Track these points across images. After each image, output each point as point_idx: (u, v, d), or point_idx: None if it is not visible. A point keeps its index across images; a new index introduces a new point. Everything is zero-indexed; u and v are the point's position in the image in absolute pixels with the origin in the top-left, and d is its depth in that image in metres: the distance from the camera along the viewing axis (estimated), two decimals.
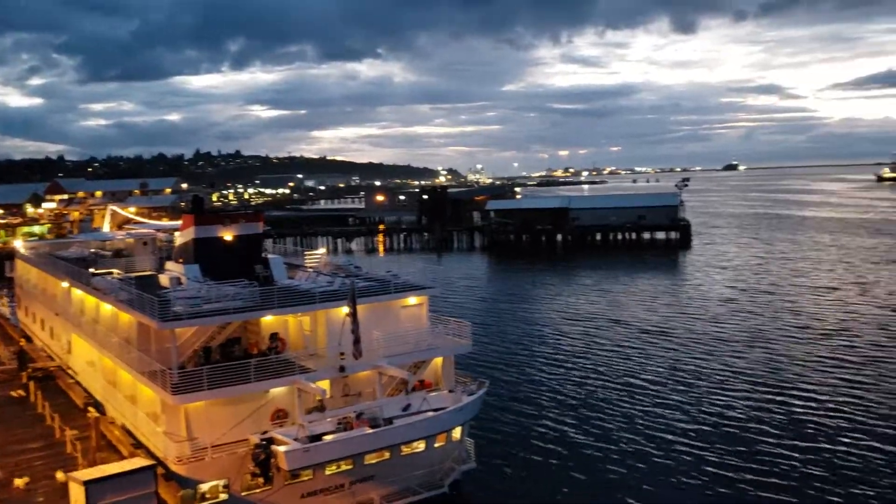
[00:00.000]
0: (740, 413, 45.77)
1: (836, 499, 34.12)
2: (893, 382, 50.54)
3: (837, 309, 75.74)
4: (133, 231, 64.84)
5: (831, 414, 44.99)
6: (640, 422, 44.84)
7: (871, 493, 34.46)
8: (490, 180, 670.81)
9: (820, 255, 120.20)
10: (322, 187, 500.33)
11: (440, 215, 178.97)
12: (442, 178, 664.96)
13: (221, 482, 30.13)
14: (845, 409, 45.74)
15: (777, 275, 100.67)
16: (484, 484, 36.72)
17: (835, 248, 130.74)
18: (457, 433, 34.46)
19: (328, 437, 30.66)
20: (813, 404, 46.80)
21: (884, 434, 41.45)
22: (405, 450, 32.16)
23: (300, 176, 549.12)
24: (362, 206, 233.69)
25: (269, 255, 43.52)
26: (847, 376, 52.38)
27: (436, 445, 33.21)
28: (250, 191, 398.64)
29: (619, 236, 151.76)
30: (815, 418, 44.39)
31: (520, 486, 36.96)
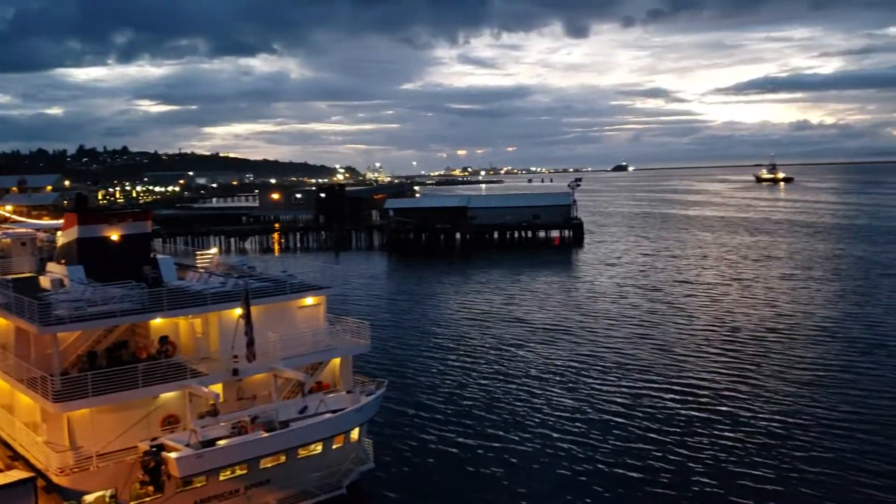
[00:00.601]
0: (630, 407, 47.52)
1: (720, 490, 35.94)
2: (770, 374, 53.66)
3: (720, 304, 79.78)
4: (10, 231, 61.13)
5: (715, 406, 47.36)
6: (535, 419, 45.87)
7: (750, 484, 36.52)
8: (389, 179, 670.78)
9: (703, 253, 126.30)
10: (214, 185, 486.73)
11: (338, 214, 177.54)
12: (340, 177, 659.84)
13: (108, 492, 28.99)
14: (728, 400, 48.25)
15: (663, 272, 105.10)
16: (383, 484, 36.70)
17: (717, 245, 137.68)
18: (355, 434, 34.32)
19: (222, 442, 29.93)
20: (699, 396, 49.11)
21: (762, 421, 43.99)
22: (302, 452, 31.79)
23: (191, 173, 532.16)
24: (257, 204, 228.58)
25: (159, 256, 42.09)
26: (729, 370, 55.23)
27: (334, 447, 32.98)
28: (139, 188, 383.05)
29: (516, 235, 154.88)
30: (700, 411, 46.59)
31: (419, 485, 37.14)
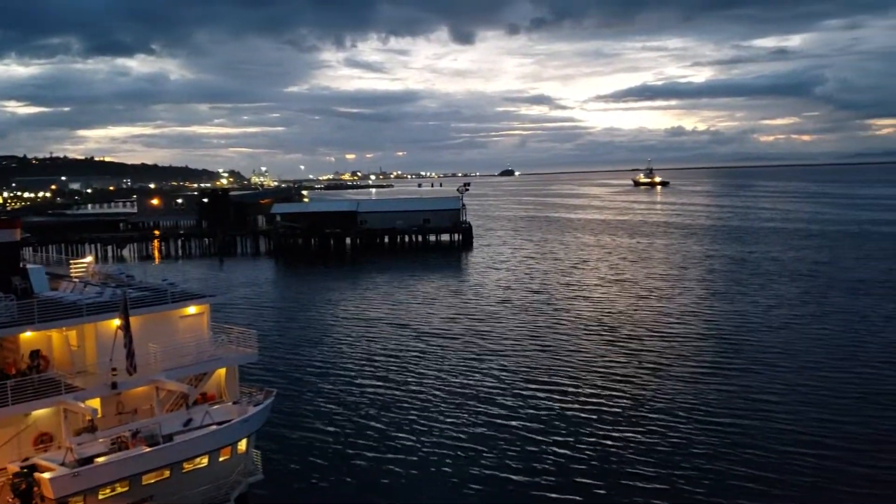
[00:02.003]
0: (516, 409, 48.63)
1: (603, 490, 37.32)
2: (649, 373, 56.15)
3: (601, 305, 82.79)
4: None
5: (598, 405, 49.13)
6: (424, 425, 46.22)
7: (631, 483, 38.11)
8: (275, 183, 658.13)
9: (585, 255, 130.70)
10: (89, 190, 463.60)
11: (222, 219, 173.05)
12: (224, 181, 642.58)
13: None
14: (610, 399, 50.17)
15: (548, 274, 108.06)
16: (272, 495, 36.07)
17: (598, 247, 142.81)
18: (242, 445, 33.57)
19: (100, 460, 28.66)
20: (582, 396, 50.82)
21: (643, 418, 46.01)
22: (187, 466, 30.83)
23: (64, 178, 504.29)
24: (135, 210, 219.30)
25: (29, 265, 39.77)
26: (611, 370, 57.41)
27: (220, 459, 32.15)
28: (5, 195, 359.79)
29: (406, 239, 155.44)
30: (583, 410, 48.22)
31: (309, 495, 36.72)
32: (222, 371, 36.36)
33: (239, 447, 33.31)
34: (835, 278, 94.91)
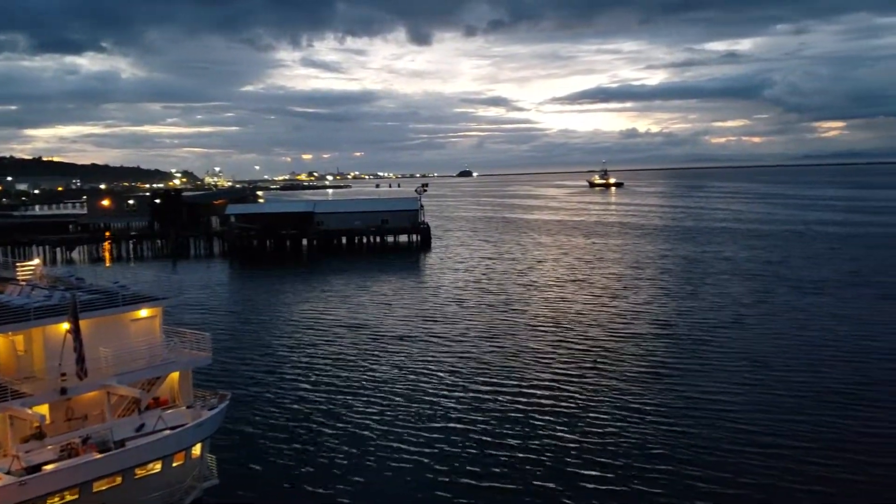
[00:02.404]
0: (474, 410, 48.74)
1: (557, 490, 37.59)
2: (606, 372, 56.75)
3: (558, 306, 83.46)
4: None
5: (554, 405, 49.50)
6: (381, 427, 46.04)
7: (587, 485, 38.46)
8: (230, 183, 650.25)
9: (542, 256, 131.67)
10: (37, 191, 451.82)
11: (175, 220, 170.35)
12: (176, 181, 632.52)
13: None
14: (566, 399, 50.60)
15: (506, 274, 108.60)
16: (228, 500, 35.54)
17: (554, 248, 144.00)
18: (197, 450, 33.05)
19: (49, 467, 27.95)
20: (538, 397, 51.15)
21: (599, 418, 46.48)
22: (139, 472, 30.26)
23: (10, 179, 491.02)
24: (85, 211, 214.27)
25: None
26: (567, 370, 57.90)
27: (174, 465, 31.63)
28: None
29: (364, 240, 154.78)
30: (540, 410, 48.53)
31: (265, 499, 36.26)
32: (175, 375, 35.74)
33: (193, 452, 32.79)
34: (785, 277, 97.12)
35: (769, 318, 72.08)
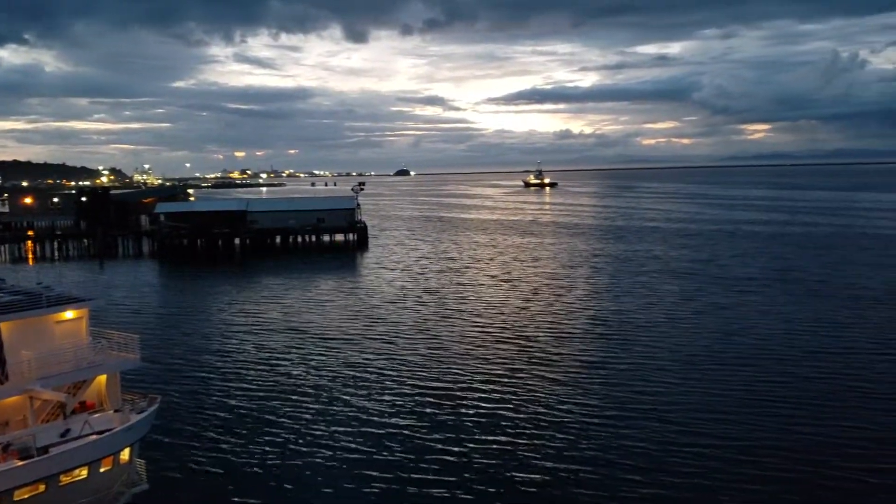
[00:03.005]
0: (409, 412, 48.73)
1: (491, 490, 37.84)
2: (539, 371, 57.44)
3: (493, 304, 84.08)
4: None
5: (489, 405, 49.85)
6: (315, 430, 45.63)
7: (522, 488, 38.83)
8: (160, 181, 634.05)
9: (478, 255, 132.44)
10: None
11: (102, 219, 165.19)
12: (104, 179, 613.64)
13: None
14: (501, 400, 51.02)
15: (442, 274, 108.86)
16: None
17: (490, 247, 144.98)
18: (125, 455, 32.13)
19: None
20: (473, 397, 51.45)
21: (532, 417, 47.00)
22: (64, 479, 29.24)
23: None
24: (6, 209, 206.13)
25: None
26: (501, 370, 58.39)
27: (101, 470, 30.67)
28: None
29: (300, 239, 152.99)
30: (475, 411, 48.81)
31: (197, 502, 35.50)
32: (103, 378, 34.66)
33: (121, 457, 31.87)
34: (714, 276, 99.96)
35: (699, 316, 74.02)
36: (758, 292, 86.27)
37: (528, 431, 43.64)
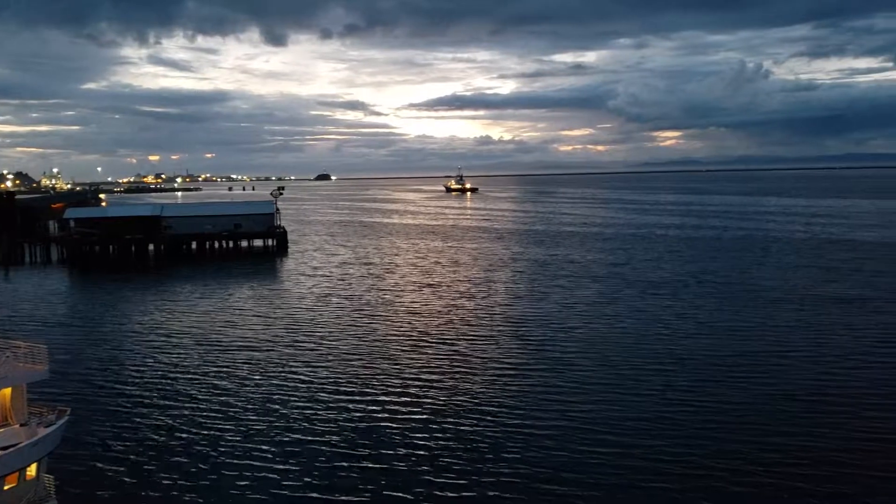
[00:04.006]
0: (326, 417, 48.37)
1: (410, 498, 37.92)
2: (459, 377, 57.82)
3: (413, 309, 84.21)
4: None
5: (406, 409, 49.93)
6: (231, 442, 44.83)
7: (441, 493, 39.05)
8: (69, 186, 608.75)
9: (399, 260, 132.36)
10: None
11: (8, 225, 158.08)
12: (9, 184, 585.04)
13: None
14: (421, 403, 51.17)
15: (363, 279, 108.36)
16: None
17: (412, 252, 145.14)
18: (32, 470, 30.81)
19: None
20: (390, 401, 51.44)
21: (453, 420, 47.30)
22: None
23: None
24: None
25: None
26: (420, 374, 58.55)
27: (5, 487, 29.34)
28: None
29: (216, 244, 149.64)
30: (391, 415, 48.84)
31: None
32: (7, 391, 33.11)
33: (28, 473, 30.56)
34: (629, 279, 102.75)
35: (615, 319, 75.83)
36: (672, 295, 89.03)
37: (447, 437, 43.87)
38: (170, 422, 46.84)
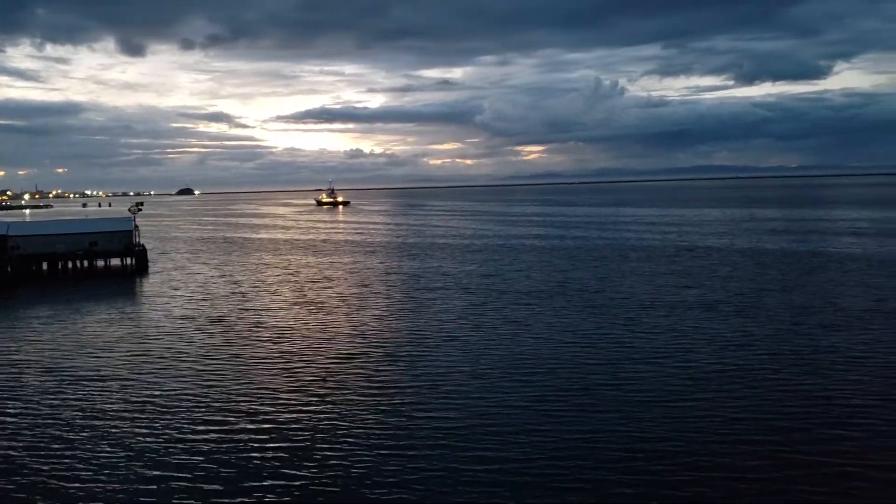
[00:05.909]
0: (189, 448, 45.82)
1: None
2: (329, 397, 56.35)
3: (284, 328, 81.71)
4: None
5: (277, 437, 48.06)
6: (84, 471, 41.57)
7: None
8: None
9: (269, 277, 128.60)
10: None
11: None
12: None
13: None
14: (291, 430, 49.37)
15: (230, 298, 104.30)
16: None
17: (282, 268, 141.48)
18: None
19: None
20: (262, 427, 49.37)
21: (325, 447, 45.86)
22: None
23: None
24: None
25: None
26: (291, 396, 56.67)
27: None
28: None
29: (70, 264, 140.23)
30: (261, 445, 46.86)
31: None
32: None
33: None
34: (500, 290, 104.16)
35: (488, 331, 76.33)
36: (541, 304, 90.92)
37: (321, 464, 42.43)
38: (7, 461, 42.74)
